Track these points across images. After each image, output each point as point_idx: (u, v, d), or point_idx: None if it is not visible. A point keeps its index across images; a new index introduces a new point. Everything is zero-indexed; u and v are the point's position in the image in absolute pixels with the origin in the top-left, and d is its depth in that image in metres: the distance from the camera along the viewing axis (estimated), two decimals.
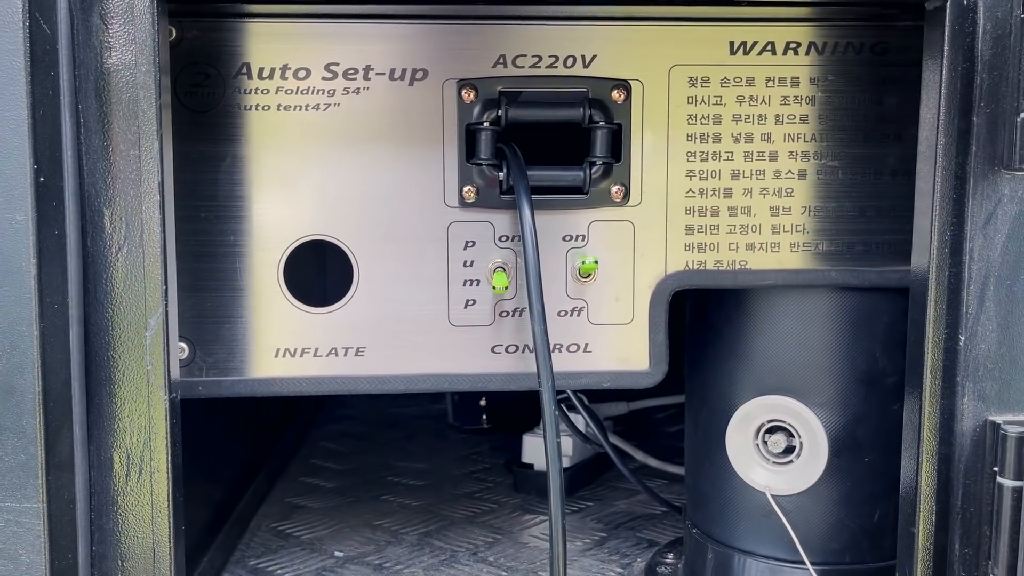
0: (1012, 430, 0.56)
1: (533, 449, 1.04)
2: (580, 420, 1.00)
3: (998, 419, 0.58)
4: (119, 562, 0.56)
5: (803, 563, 0.69)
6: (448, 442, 1.22)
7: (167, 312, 0.55)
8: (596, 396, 1.04)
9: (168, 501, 0.56)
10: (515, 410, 1.19)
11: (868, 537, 0.70)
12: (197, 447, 0.79)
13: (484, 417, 1.27)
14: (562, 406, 0.96)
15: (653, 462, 1.03)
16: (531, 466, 1.03)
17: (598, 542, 0.89)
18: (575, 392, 0.91)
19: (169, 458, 0.55)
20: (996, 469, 0.57)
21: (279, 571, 0.82)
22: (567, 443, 1.02)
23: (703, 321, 0.74)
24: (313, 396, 1.31)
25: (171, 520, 0.56)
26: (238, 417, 0.95)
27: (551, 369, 0.62)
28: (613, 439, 0.97)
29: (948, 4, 0.55)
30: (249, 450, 1.02)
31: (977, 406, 0.58)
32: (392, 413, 1.36)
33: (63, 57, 0.52)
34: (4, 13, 0.49)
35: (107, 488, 0.56)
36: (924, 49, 0.59)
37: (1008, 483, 0.56)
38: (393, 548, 0.87)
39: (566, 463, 1.02)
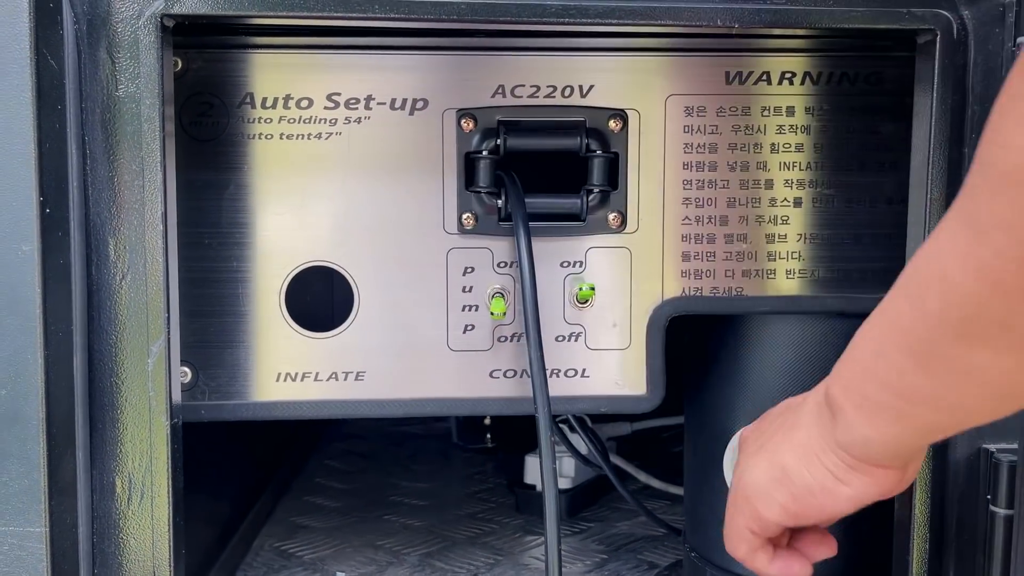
0: (1005, 458, 0.57)
1: (536, 470, 1.04)
2: (581, 442, 1.00)
3: (991, 447, 0.58)
4: None
5: None
6: (451, 461, 1.22)
7: (169, 339, 0.56)
8: (599, 417, 1.05)
9: (169, 525, 0.56)
10: (519, 430, 1.20)
11: (865, 563, 0.70)
12: (201, 467, 0.80)
13: (488, 436, 1.27)
14: (563, 428, 0.96)
15: (656, 483, 1.03)
16: (533, 487, 1.04)
17: (599, 564, 0.89)
18: (575, 418, 0.92)
19: (170, 483, 0.56)
20: (989, 497, 0.57)
21: None
22: (569, 464, 1.02)
23: (701, 347, 0.74)
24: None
25: (171, 544, 0.56)
26: (242, 436, 0.96)
27: (547, 395, 0.63)
28: (615, 460, 0.97)
29: (938, 38, 0.56)
30: (253, 469, 1.02)
31: (972, 434, 0.59)
32: (396, 432, 1.36)
33: (70, 91, 0.53)
34: (12, 49, 0.50)
35: (109, 512, 0.57)
36: (916, 81, 0.60)
37: (1001, 512, 0.56)
38: (394, 569, 0.88)
39: (568, 484, 1.02)
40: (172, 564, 0.56)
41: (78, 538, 0.54)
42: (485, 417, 1.29)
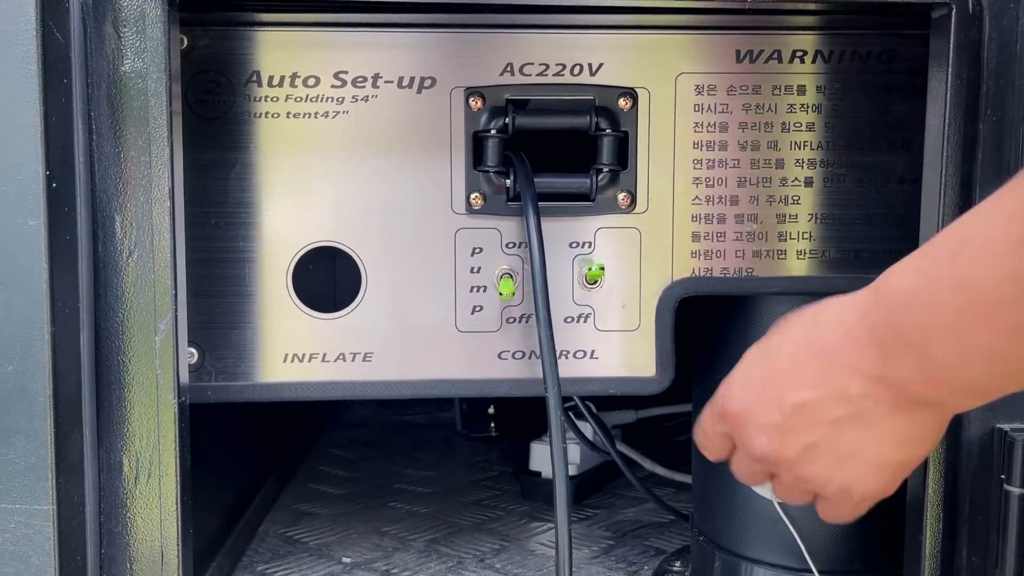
0: (1020, 437, 0.56)
1: (541, 457, 1.04)
2: (588, 428, 1.00)
3: (1006, 426, 0.58)
4: (128, 565, 0.56)
5: (810, 571, 0.69)
6: (456, 450, 1.22)
7: (176, 316, 0.55)
8: (604, 405, 1.04)
9: (176, 504, 0.56)
10: (524, 418, 1.19)
11: (875, 545, 0.70)
12: (206, 454, 0.79)
13: (492, 425, 1.27)
14: (570, 414, 0.96)
15: (661, 470, 1.02)
16: (539, 474, 1.03)
17: (605, 550, 0.89)
18: (583, 400, 0.91)
19: (178, 461, 0.56)
20: (1003, 476, 0.57)
21: None
22: (574, 451, 1.01)
23: (710, 329, 0.74)
24: (321, 403, 1.32)
25: (179, 523, 0.56)
26: (246, 424, 0.96)
27: (557, 375, 0.63)
28: (621, 447, 0.97)
29: (953, 12, 0.55)
30: (257, 457, 1.02)
31: (985, 413, 0.58)
32: (400, 421, 1.36)
33: (76, 65, 0.53)
34: (17, 21, 0.50)
35: (116, 491, 0.56)
36: (930, 57, 0.59)
37: (1015, 491, 0.56)
38: (400, 554, 0.87)
39: (573, 471, 1.02)
40: (180, 544, 0.56)
41: (85, 517, 0.54)
42: (489, 406, 1.29)
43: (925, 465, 0.59)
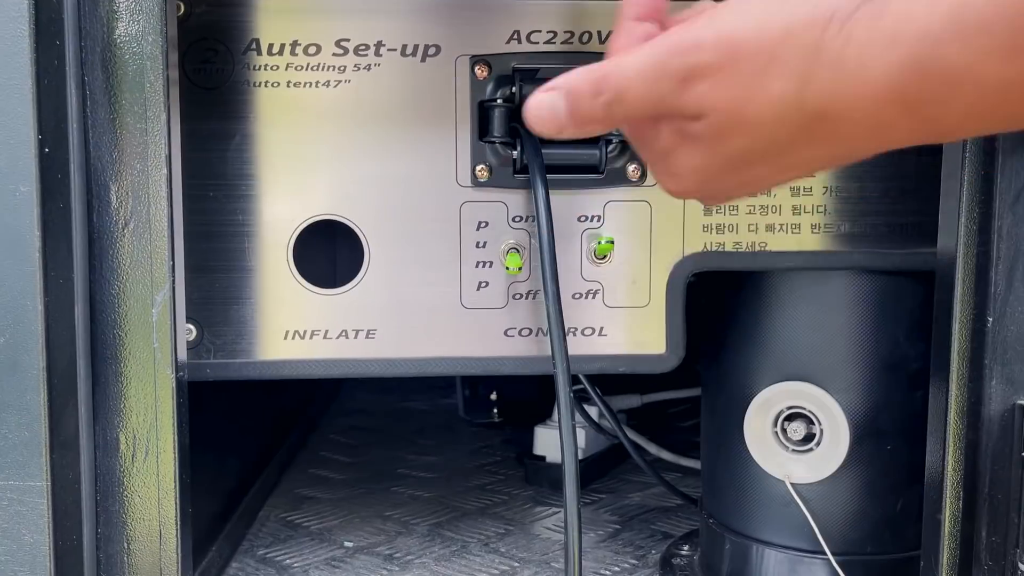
0: None
1: (545, 441, 1.02)
2: (594, 412, 0.98)
3: None
4: (125, 544, 0.55)
5: (823, 554, 0.67)
6: (459, 436, 1.20)
7: (174, 289, 0.54)
8: (609, 389, 1.03)
9: (175, 483, 0.54)
10: (527, 404, 1.18)
11: (890, 527, 0.68)
12: (206, 437, 0.78)
13: (495, 411, 1.25)
14: (576, 397, 0.94)
15: (667, 455, 1.01)
16: (543, 458, 1.02)
17: (612, 534, 0.87)
18: (591, 384, 0.90)
19: (176, 439, 0.54)
20: None
21: (288, 560, 0.81)
22: (580, 435, 1.00)
23: (721, 305, 0.72)
24: (323, 389, 1.30)
25: (178, 502, 0.54)
26: (247, 409, 0.94)
27: (566, 351, 0.61)
28: (627, 432, 0.95)
29: None
30: (258, 442, 1.00)
31: (1005, 390, 0.57)
32: (402, 407, 1.35)
33: (69, 26, 0.51)
34: None
35: (113, 469, 0.55)
36: None
37: None
38: (404, 539, 0.86)
39: (579, 455, 1.00)
40: (179, 523, 0.54)
41: (80, 494, 0.52)
42: (492, 392, 1.27)
43: (944, 443, 0.57)
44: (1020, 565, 0.55)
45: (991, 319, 0.56)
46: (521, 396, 1.23)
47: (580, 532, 0.59)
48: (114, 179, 0.53)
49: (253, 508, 0.91)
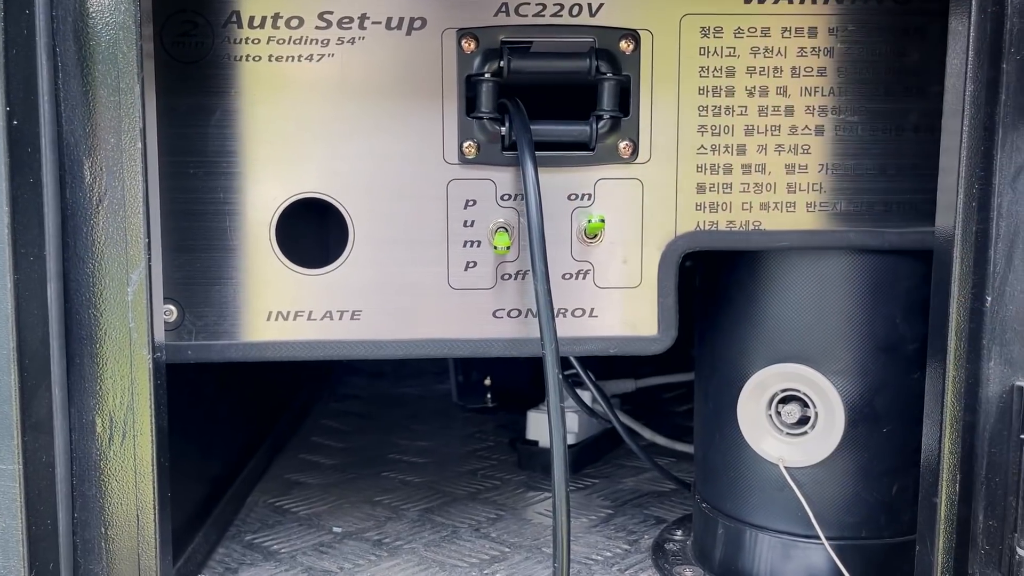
0: None
1: (538, 426, 1.01)
2: (587, 397, 0.97)
3: None
4: (102, 529, 0.53)
5: (818, 538, 0.66)
6: (452, 421, 1.19)
7: (150, 267, 0.52)
8: (603, 373, 1.01)
9: (152, 466, 0.53)
10: (520, 389, 1.17)
11: (885, 511, 0.67)
12: (193, 423, 0.77)
13: (489, 396, 1.24)
14: (569, 382, 0.93)
15: (661, 440, 1.00)
16: (536, 443, 1.01)
17: (604, 519, 0.86)
18: (583, 368, 0.89)
19: (153, 421, 0.53)
20: (1023, 436, 0.54)
21: (275, 546, 0.80)
22: (573, 420, 0.99)
23: (714, 285, 0.71)
24: (314, 374, 1.29)
25: (156, 486, 0.53)
26: (236, 394, 0.93)
27: (554, 331, 0.60)
28: (621, 417, 0.94)
29: None
30: (248, 428, 0.99)
31: (1004, 370, 0.55)
32: (395, 393, 1.33)
33: None
34: None
35: (89, 452, 0.53)
36: None
37: None
38: (393, 524, 0.85)
39: (571, 440, 0.99)
40: (156, 507, 0.53)
41: (55, 478, 0.51)
42: (486, 377, 1.26)
43: (941, 425, 0.56)
44: (1018, 549, 0.54)
45: (990, 299, 0.55)
46: (515, 381, 1.22)
47: (568, 515, 0.57)
48: (88, 154, 0.52)
49: (242, 493, 0.90)
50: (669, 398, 1.23)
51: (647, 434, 1.00)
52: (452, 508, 0.88)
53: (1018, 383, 0.55)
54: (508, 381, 1.23)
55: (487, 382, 1.25)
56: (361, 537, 0.82)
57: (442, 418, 1.21)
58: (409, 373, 1.40)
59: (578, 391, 0.97)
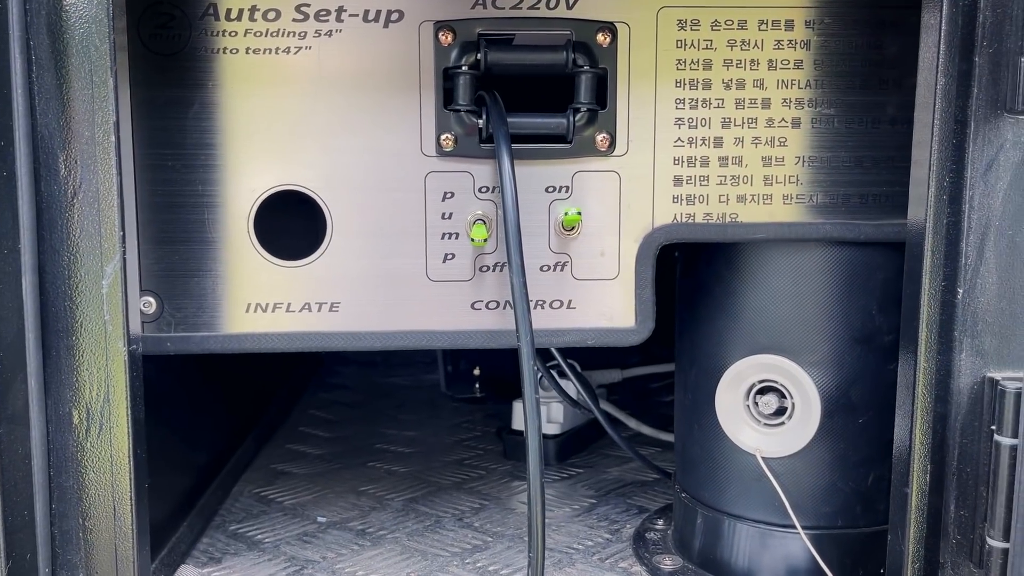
0: (1011, 386, 0.54)
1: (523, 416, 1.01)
2: (571, 388, 0.97)
3: (996, 375, 0.55)
4: (80, 520, 0.54)
5: (794, 527, 0.67)
6: (440, 411, 1.20)
7: (125, 259, 0.52)
8: (590, 364, 1.02)
9: (129, 457, 0.54)
10: (509, 379, 1.17)
11: (861, 500, 0.68)
12: (177, 413, 0.77)
13: (477, 386, 1.25)
14: (553, 372, 0.93)
15: (646, 429, 1.00)
16: (522, 433, 1.01)
17: (587, 508, 0.87)
18: (566, 358, 0.89)
19: (130, 413, 0.53)
20: (994, 427, 0.55)
21: (259, 536, 0.80)
22: (557, 410, 0.99)
23: (692, 277, 0.71)
24: (301, 364, 1.29)
25: (132, 477, 0.53)
26: (222, 384, 0.93)
27: (530, 323, 0.60)
28: (606, 406, 0.95)
29: None
30: (234, 417, 1.00)
31: (975, 362, 0.56)
32: (383, 383, 1.34)
33: None
34: None
35: (66, 444, 0.54)
36: None
37: (1005, 441, 0.54)
38: (377, 514, 0.85)
39: (556, 430, 1.00)
40: (133, 498, 0.53)
41: (31, 469, 0.51)
42: (475, 367, 1.26)
43: (912, 416, 0.57)
44: (988, 539, 0.55)
45: (961, 290, 0.55)
46: (503, 371, 1.22)
47: (543, 504, 0.58)
48: (62, 147, 0.52)
49: (227, 483, 0.90)
50: (656, 388, 1.23)
51: (632, 424, 1.00)
52: (436, 498, 0.89)
53: (989, 374, 0.56)
54: (497, 371, 1.24)
55: (476, 372, 1.25)
56: (345, 527, 0.82)
57: (430, 408, 1.21)
58: (399, 363, 1.41)
59: (564, 381, 0.98)
